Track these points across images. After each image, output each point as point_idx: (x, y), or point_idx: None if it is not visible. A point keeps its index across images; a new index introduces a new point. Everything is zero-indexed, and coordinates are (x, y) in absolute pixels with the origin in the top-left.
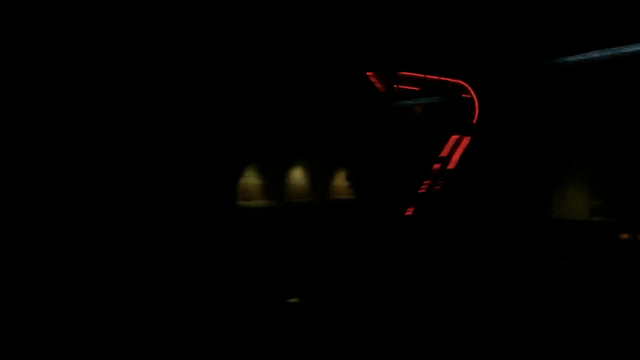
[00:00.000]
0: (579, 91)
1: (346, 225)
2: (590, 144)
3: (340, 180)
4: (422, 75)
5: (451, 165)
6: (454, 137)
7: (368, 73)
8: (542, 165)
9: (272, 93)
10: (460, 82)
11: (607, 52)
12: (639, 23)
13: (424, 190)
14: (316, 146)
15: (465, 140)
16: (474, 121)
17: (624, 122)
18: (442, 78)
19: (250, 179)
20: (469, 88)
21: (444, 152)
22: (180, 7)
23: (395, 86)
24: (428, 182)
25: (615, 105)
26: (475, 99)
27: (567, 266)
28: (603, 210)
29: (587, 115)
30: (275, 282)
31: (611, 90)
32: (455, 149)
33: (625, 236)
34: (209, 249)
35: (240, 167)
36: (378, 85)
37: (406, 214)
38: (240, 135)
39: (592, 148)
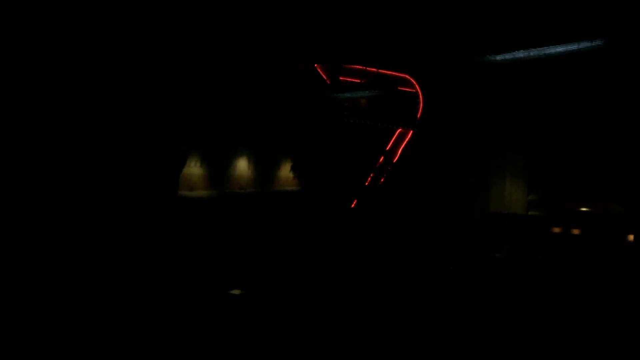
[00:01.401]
0: (507, 88)
1: (291, 218)
2: (522, 140)
3: (285, 172)
4: (369, 68)
5: (395, 159)
6: (398, 131)
7: (315, 65)
8: (477, 160)
9: (219, 83)
10: (407, 76)
11: (532, 52)
12: (562, 27)
13: (368, 183)
14: (261, 137)
15: (409, 134)
16: (419, 115)
17: (550, 119)
18: (389, 72)
19: (194, 169)
20: (415, 83)
21: (389, 146)
22: None
23: (341, 78)
24: (372, 175)
25: (542, 102)
26: (420, 94)
27: (499, 257)
28: (538, 205)
29: (516, 111)
30: (216, 275)
31: (537, 88)
32: (400, 142)
33: (557, 230)
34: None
35: (184, 156)
36: (325, 76)
37: (351, 206)
38: (186, 124)
39: (524, 143)
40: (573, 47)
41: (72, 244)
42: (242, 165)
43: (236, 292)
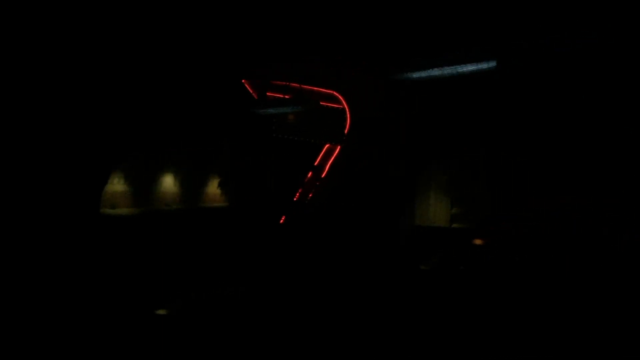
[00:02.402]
0: (423, 103)
1: (218, 235)
2: (444, 155)
3: (213, 188)
4: (292, 84)
5: (323, 174)
6: (326, 147)
7: (243, 80)
8: (402, 175)
9: (143, 98)
10: (334, 92)
11: (446, 70)
12: (473, 47)
13: (296, 198)
14: (188, 153)
15: (337, 150)
16: (346, 131)
17: (470, 134)
18: (315, 88)
19: (117, 186)
20: (342, 99)
21: (317, 161)
22: None
23: (268, 93)
24: (301, 190)
25: (456, 117)
26: (347, 110)
27: (424, 269)
28: (461, 218)
29: (435, 126)
30: (141, 294)
31: (452, 103)
32: (328, 158)
33: (478, 242)
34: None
35: (106, 172)
36: (252, 91)
37: (280, 222)
38: (107, 140)
39: (446, 159)
40: (483, 66)
41: None
42: (168, 182)
43: (162, 312)
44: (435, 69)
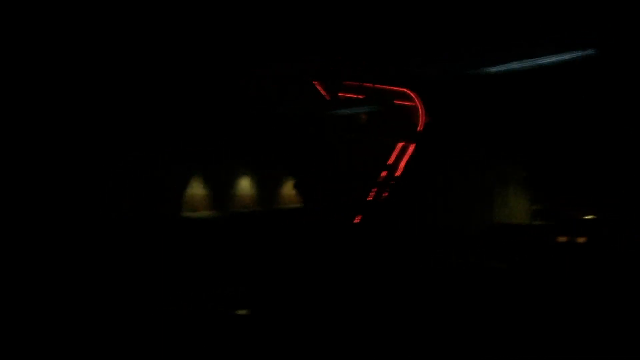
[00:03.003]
0: (505, 98)
1: (292, 236)
2: (524, 150)
3: (288, 189)
4: (365, 84)
5: (398, 173)
6: (400, 145)
7: (314, 82)
8: (480, 171)
9: (220, 103)
10: (406, 90)
11: (526, 63)
12: (553, 38)
13: (371, 198)
14: (263, 156)
15: (411, 148)
16: (419, 129)
17: (549, 128)
18: (386, 87)
19: (197, 190)
20: (414, 96)
21: (391, 160)
22: None
23: (340, 94)
24: (375, 189)
25: (538, 111)
26: (420, 107)
27: (503, 267)
28: (543, 214)
29: (515, 121)
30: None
31: (534, 97)
32: (402, 156)
33: (562, 239)
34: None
35: (186, 177)
36: (324, 93)
37: (355, 221)
38: (186, 144)
39: (526, 153)
40: (565, 57)
41: None
42: (245, 184)
43: (242, 312)
44: (515, 62)
